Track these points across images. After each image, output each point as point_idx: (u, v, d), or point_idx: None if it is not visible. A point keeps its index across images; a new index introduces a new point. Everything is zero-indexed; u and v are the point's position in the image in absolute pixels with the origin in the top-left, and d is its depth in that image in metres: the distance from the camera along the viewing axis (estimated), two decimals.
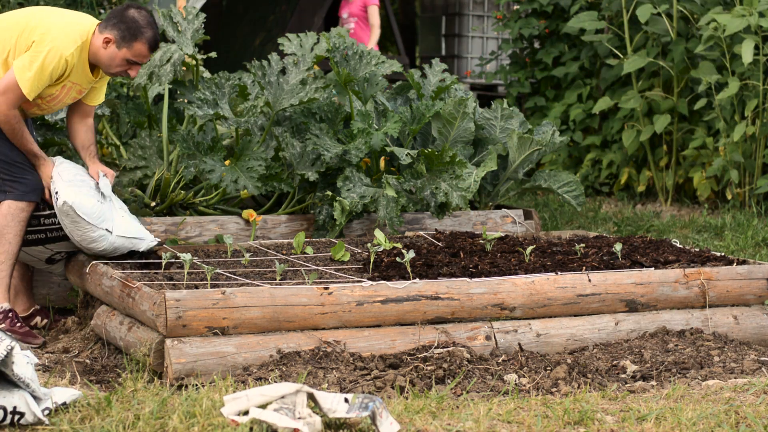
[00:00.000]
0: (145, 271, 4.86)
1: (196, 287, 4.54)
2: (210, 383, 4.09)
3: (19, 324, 4.98)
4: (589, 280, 4.79)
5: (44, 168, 5.04)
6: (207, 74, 6.42)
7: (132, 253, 5.15)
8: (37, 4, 8.24)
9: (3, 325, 4.90)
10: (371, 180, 6.07)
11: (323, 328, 4.43)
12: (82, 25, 5.00)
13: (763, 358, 4.60)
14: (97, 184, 5.11)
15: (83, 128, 5.26)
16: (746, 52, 7.96)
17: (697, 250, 5.42)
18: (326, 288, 4.44)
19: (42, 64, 4.84)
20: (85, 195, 4.97)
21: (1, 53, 4.93)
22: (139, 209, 5.83)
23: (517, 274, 4.81)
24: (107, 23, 4.97)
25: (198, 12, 6.22)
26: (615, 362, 4.50)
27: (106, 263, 4.97)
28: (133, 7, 5.00)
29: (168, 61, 6.13)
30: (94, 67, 5.07)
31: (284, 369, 4.19)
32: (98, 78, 5.14)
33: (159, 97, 6.47)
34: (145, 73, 6.17)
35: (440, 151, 5.93)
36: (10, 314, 4.96)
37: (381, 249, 5.10)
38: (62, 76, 4.94)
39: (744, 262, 5.14)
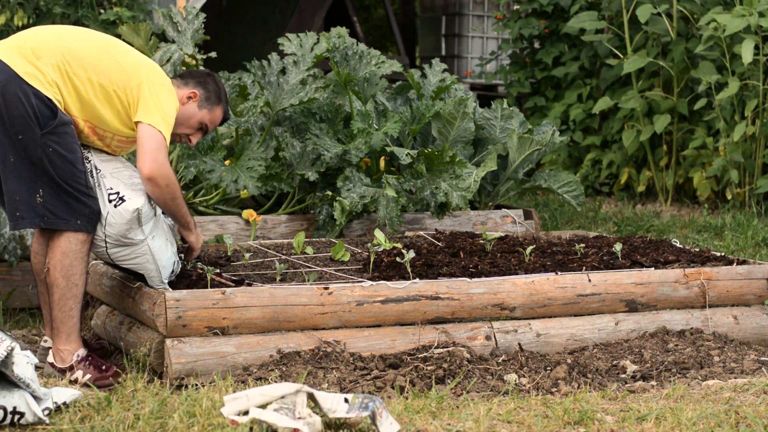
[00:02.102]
0: None
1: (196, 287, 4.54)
2: (210, 383, 4.09)
3: (104, 367, 4.37)
4: (589, 280, 4.79)
5: (196, 234, 4.62)
6: None
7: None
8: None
9: (89, 376, 4.30)
10: (371, 180, 6.07)
11: (323, 328, 4.43)
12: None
13: (763, 358, 4.60)
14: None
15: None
16: (746, 52, 7.96)
17: (697, 250, 5.42)
18: (326, 288, 4.44)
19: (169, 112, 4.40)
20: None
21: (92, 73, 4.33)
22: None
23: (517, 274, 4.81)
24: (187, 80, 4.64)
25: (198, 12, 6.22)
26: (615, 362, 4.50)
27: (107, 263, 4.96)
28: (215, 75, 4.72)
29: (168, 61, 6.13)
30: None
31: (284, 369, 4.19)
32: None
33: None
34: None
35: (440, 151, 5.93)
36: (89, 358, 4.37)
37: (381, 249, 5.10)
38: None
39: (744, 262, 5.14)
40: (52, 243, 4.31)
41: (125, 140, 4.48)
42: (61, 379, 4.32)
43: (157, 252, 4.43)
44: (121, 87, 4.36)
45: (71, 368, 4.35)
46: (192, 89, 4.61)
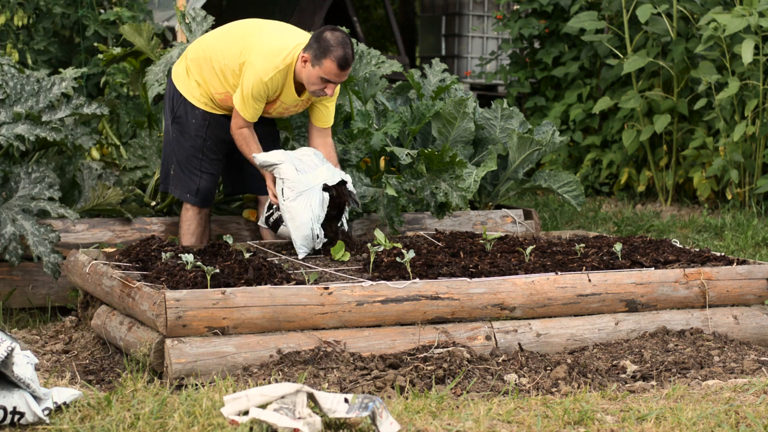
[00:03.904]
0: (144, 272, 4.86)
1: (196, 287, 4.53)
2: (210, 383, 4.09)
3: None
4: (589, 280, 4.79)
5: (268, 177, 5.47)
6: None
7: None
8: None
9: None
10: (371, 180, 6.07)
11: (323, 328, 4.43)
12: (286, 49, 5.35)
13: (763, 358, 4.60)
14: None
15: (323, 148, 5.56)
16: (746, 52, 7.96)
17: (697, 250, 5.42)
18: (326, 288, 4.44)
19: (249, 93, 5.34)
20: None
21: (226, 64, 5.45)
22: (139, 209, 5.83)
23: (517, 274, 4.81)
24: (308, 44, 5.30)
25: (206, 15, 6.26)
26: (615, 362, 4.50)
27: (106, 263, 4.97)
28: (329, 29, 5.31)
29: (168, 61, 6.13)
30: (302, 86, 5.42)
31: (284, 369, 4.20)
32: (305, 97, 5.48)
33: (159, 97, 6.47)
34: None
35: (440, 151, 5.93)
36: None
37: (381, 249, 5.10)
38: (271, 95, 5.40)
39: (744, 262, 5.14)
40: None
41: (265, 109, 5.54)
42: (61, 380, 4.32)
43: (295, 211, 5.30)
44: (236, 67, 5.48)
45: None
46: (304, 54, 5.31)
